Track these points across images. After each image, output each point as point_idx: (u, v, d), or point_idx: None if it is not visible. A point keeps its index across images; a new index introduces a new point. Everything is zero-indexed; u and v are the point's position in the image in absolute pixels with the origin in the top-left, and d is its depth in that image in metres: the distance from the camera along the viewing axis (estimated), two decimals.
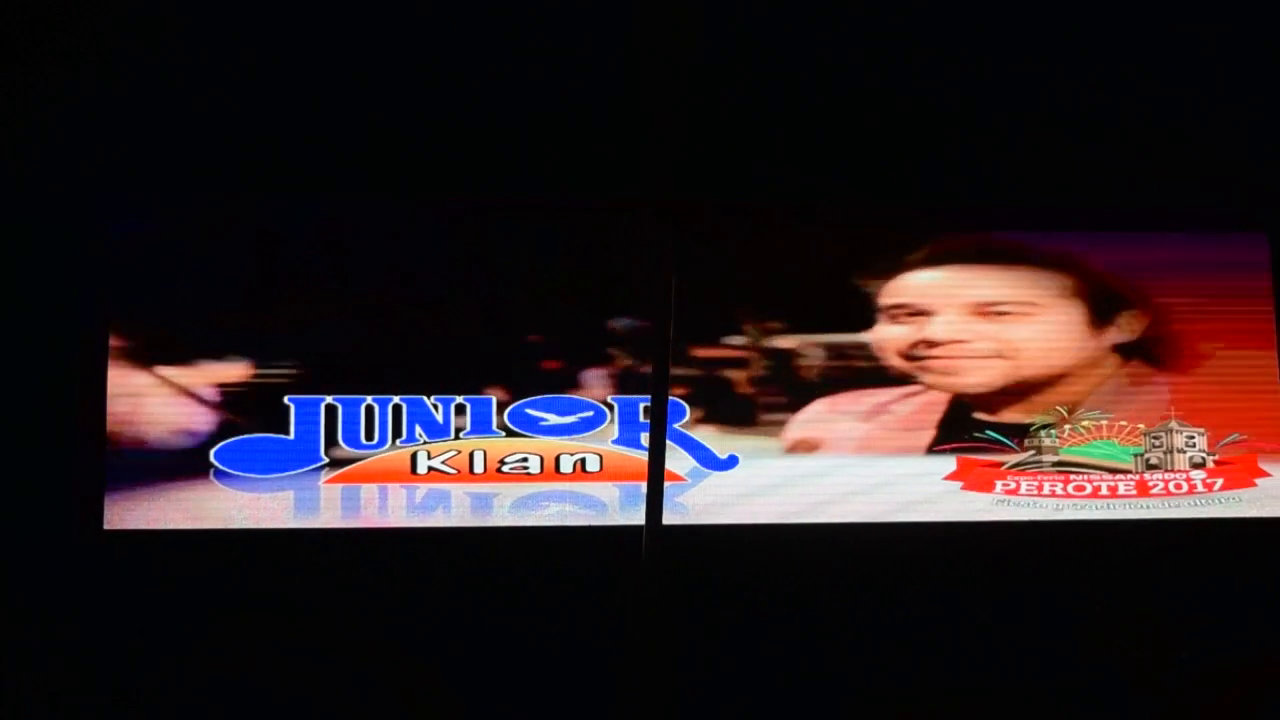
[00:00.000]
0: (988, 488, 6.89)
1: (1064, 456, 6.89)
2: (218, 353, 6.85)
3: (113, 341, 6.80)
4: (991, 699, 6.59)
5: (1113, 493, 6.89)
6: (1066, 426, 6.90)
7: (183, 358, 6.82)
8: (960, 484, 6.90)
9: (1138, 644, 6.70)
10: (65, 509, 6.62)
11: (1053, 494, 6.87)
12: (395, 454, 6.82)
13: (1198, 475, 6.92)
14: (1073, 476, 6.87)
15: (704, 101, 6.30)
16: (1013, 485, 6.87)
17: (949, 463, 6.94)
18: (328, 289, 7.00)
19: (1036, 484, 6.87)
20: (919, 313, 7.09)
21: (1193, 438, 6.89)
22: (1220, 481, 6.92)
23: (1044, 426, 6.93)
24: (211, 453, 6.74)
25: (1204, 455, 6.88)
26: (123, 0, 6.77)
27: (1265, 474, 6.97)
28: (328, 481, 6.77)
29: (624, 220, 6.95)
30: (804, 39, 7.04)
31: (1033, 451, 6.92)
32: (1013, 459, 6.90)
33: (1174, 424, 6.92)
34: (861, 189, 7.21)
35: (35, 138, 6.83)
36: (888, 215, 7.33)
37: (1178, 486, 6.90)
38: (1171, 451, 6.87)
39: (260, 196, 7.09)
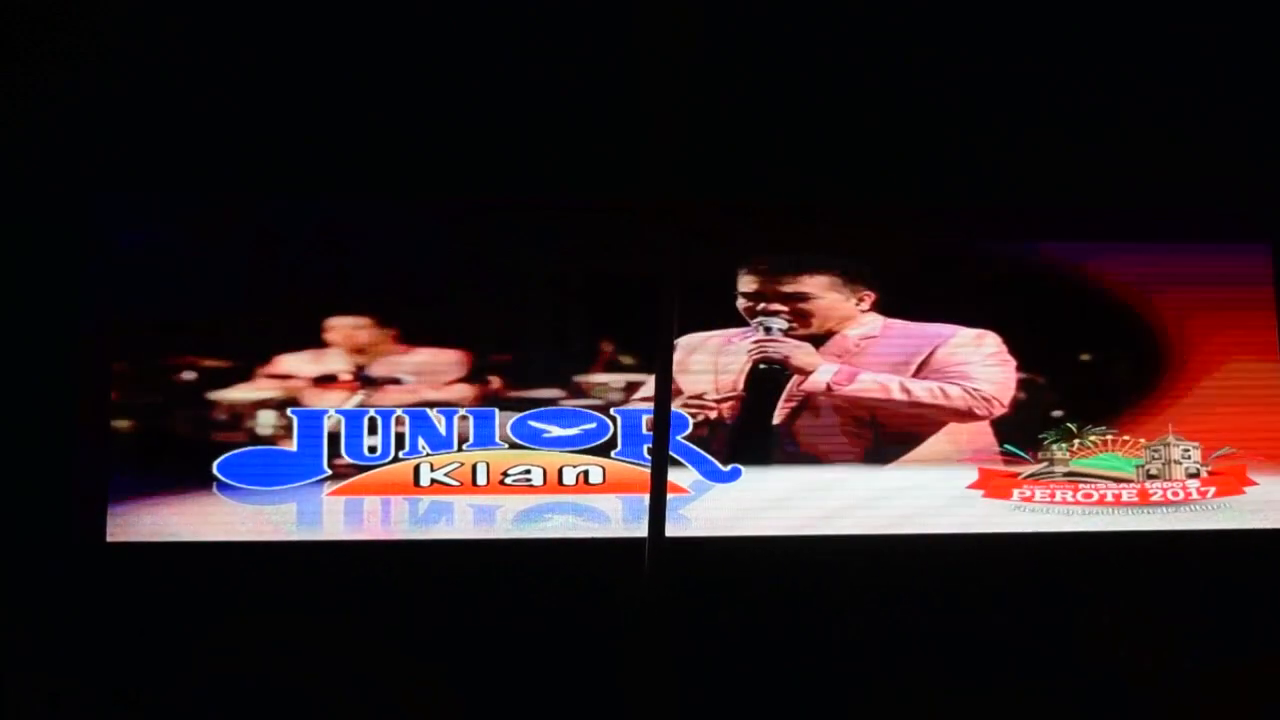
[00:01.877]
0: (1005, 495, 6.92)
1: (1074, 468, 6.98)
2: (219, 358, 6.70)
3: (114, 347, 6.66)
4: (997, 706, 6.47)
5: (1117, 500, 6.94)
6: (1076, 440, 7.00)
7: (184, 365, 6.67)
8: (981, 492, 6.91)
9: (1138, 648, 6.64)
10: (66, 521, 6.47)
11: (1064, 501, 6.93)
12: (398, 466, 6.67)
13: (1193, 484, 6.99)
14: (1081, 485, 6.95)
15: (704, 101, 6.14)
16: (1028, 493, 6.93)
17: (971, 473, 6.92)
18: (328, 289, 6.85)
19: (1049, 492, 6.93)
20: None
21: (1188, 450, 7.02)
22: (1213, 490, 7.00)
23: (1056, 441, 7.00)
24: (214, 465, 6.58)
25: (1198, 466, 7.01)
26: (123, 0, 6.59)
27: (1253, 483, 7.03)
28: (330, 494, 6.62)
29: (624, 220, 6.79)
30: (804, 39, 6.88)
31: (1046, 463, 6.97)
32: (1028, 470, 6.96)
33: (1171, 438, 7.03)
34: (861, 189, 7.05)
35: (35, 138, 6.69)
36: (888, 215, 7.15)
37: (1175, 494, 6.97)
38: (1169, 463, 7.00)
39: (260, 196, 6.95)
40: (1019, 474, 6.93)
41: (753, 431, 6.85)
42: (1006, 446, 6.96)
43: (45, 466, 6.44)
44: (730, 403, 6.85)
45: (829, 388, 6.85)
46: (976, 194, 7.09)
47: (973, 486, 6.90)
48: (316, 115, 6.86)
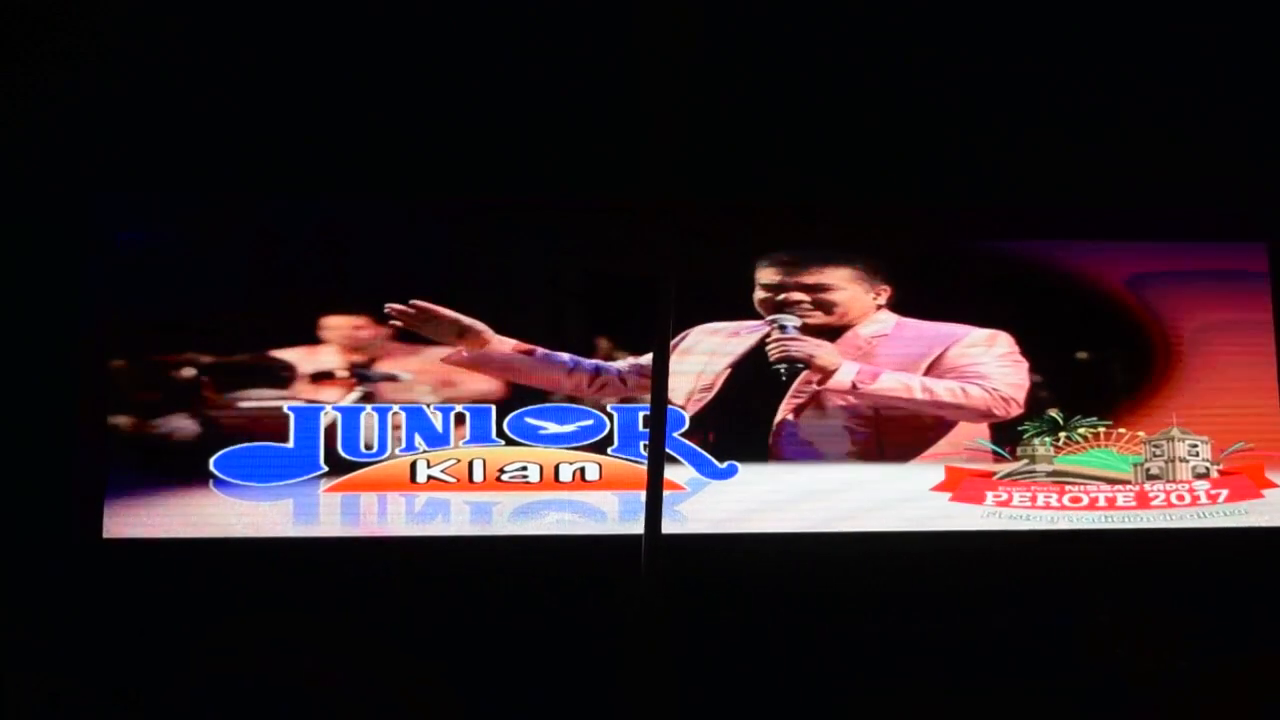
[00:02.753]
0: (978, 499, 6.60)
1: (1059, 466, 6.55)
2: (217, 355, 6.68)
3: (112, 344, 6.64)
4: (986, 709, 6.40)
5: (1110, 504, 6.56)
6: (1062, 434, 6.59)
7: (182, 361, 6.64)
8: (949, 495, 6.64)
9: (1137, 655, 6.45)
10: (64, 517, 6.45)
11: (1047, 506, 6.55)
12: (395, 463, 6.63)
13: (1201, 486, 6.56)
14: (1068, 487, 6.54)
15: (704, 101, 6.11)
16: (1005, 496, 6.56)
17: (937, 472, 6.68)
18: (326, 288, 6.83)
19: (1030, 495, 6.55)
20: None
21: (1195, 446, 6.51)
22: (1225, 493, 6.56)
23: (1038, 434, 6.62)
24: (211, 461, 6.55)
25: (1208, 465, 6.53)
26: (123, 0, 6.57)
27: (1272, 484, 6.62)
28: (327, 490, 6.58)
29: (624, 220, 6.76)
30: (804, 39, 6.85)
31: (1026, 461, 6.61)
32: (1005, 469, 6.60)
33: (1175, 432, 6.56)
34: (860, 189, 7.03)
35: (35, 138, 6.65)
36: (885, 215, 7.12)
37: (1179, 498, 6.54)
38: (1173, 461, 6.50)
39: (260, 196, 6.93)
40: (994, 474, 6.61)
41: (751, 428, 6.83)
42: (980, 441, 6.69)
43: (43, 463, 6.41)
44: (727, 395, 6.85)
45: (854, 386, 6.75)
46: (973, 193, 7.04)
47: (938, 488, 6.65)
48: (316, 115, 6.84)
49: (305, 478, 6.59)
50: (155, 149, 6.77)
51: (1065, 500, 6.56)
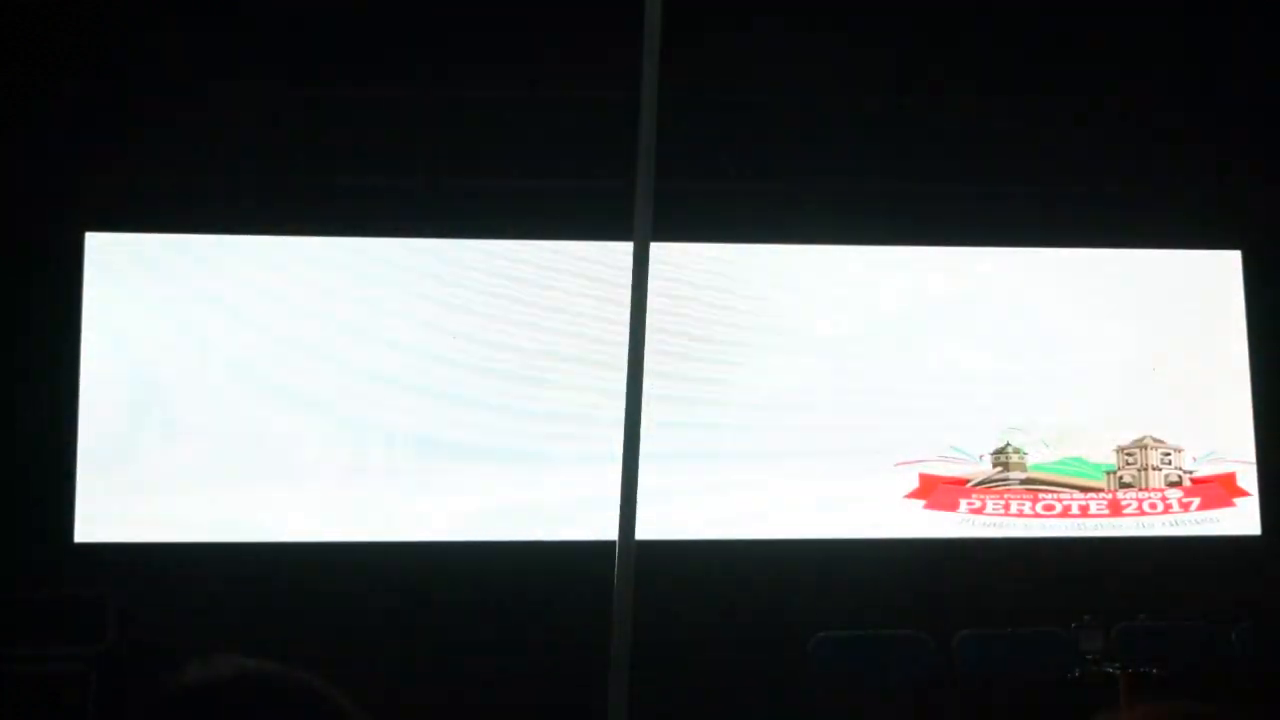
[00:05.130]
0: (951, 507, 6.39)
1: (1032, 474, 6.37)
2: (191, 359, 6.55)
3: (92, 350, 6.51)
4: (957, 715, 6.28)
5: (1084, 512, 6.37)
6: (1037, 440, 6.40)
7: (159, 370, 6.55)
8: (923, 502, 6.41)
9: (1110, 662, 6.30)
10: (33, 522, 6.35)
11: (1020, 513, 6.36)
12: (377, 469, 6.51)
13: (1174, 494, 6.39)
14: (1041, 495, 6.35)
15: (701, 101, 6.26)
16: (978, 504, 6.36)
17: (911, 478, 6.46)
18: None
19: (1003, 503, 6.36)
20: None
21: (1168, 454, 6.35)
22: (1197, 501, 6.38)
23: (1011, 442, 6.43)
24: (183, 467, 6.40)
25: (1180, 473, 6.36)
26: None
27: (1244, 493, 6.43)
28: (308, 497, 6.42)
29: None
30: (803, 38, 6.77)
31: (999, 469, 6.41)
32: (978, 476, 6.40)
33: (1149, 440, 6.39)
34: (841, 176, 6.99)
35: (33, 158, 6.60)
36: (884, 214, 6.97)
37: (1152, 506, 6.37)
38: (1146, 469, 6.34)
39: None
40: (968, 481, 6.43)
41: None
42: (955, 449, 6.48)
43: (13, 467, 6.34)
44: None
45: None
46: (956, 196, 6.99)
47: (912, 495, 6.45)
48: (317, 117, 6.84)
49: (284, 486, 6.44)
50: (148, 187, 6.77)
51: (1038, 508, 6.39)
